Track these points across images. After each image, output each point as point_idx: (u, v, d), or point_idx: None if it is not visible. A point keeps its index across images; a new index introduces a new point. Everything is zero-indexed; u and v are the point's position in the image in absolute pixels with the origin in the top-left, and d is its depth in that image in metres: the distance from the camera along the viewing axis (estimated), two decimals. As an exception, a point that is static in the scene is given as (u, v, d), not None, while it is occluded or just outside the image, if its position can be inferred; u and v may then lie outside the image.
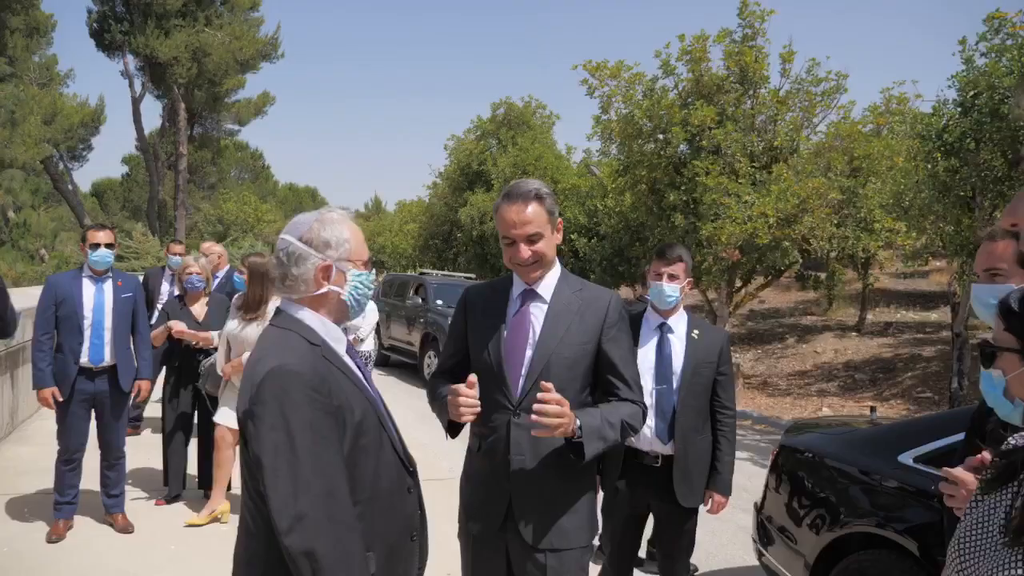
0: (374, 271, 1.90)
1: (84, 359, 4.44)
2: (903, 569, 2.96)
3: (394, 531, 1.75)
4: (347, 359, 1.77)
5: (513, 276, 2.37)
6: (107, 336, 4.51)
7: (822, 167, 11.51)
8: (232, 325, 4.69)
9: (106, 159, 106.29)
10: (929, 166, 8.40)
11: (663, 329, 3.15)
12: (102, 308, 4.51)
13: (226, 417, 4.77)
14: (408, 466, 1.82)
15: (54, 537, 4.41)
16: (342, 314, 1.81)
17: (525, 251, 2.21)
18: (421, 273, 15.84)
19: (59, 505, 4.49)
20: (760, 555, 3.91)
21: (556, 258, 2.34)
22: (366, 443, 1.68)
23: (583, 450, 2.11)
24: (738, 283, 12.95)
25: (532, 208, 2.19)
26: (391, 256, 29.67)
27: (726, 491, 3.21)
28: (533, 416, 2.03)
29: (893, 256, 14.39)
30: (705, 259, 11.43)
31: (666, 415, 3.07)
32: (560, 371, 2.21)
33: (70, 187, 31.02)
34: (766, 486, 3.94)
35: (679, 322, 3.19)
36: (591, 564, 2.41)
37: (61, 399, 4.37)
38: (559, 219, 2.30)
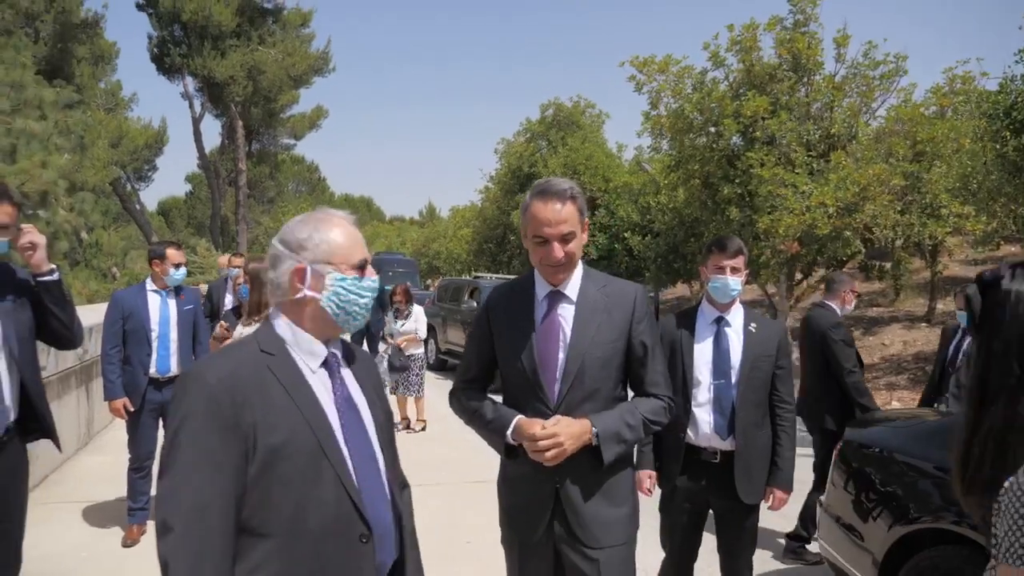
0: (376, 277, 1.69)
1: (152, 370, 4.62)
2: (977, 564, 2.82)
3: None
4: (310, 377, 1.59)
5: (535, 277, 2.32)
6: (173, 347, 4.71)
7: (883, 153, 11.14)
8: (237, 332, 4.80)
9: (170, 178, 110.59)
10: (997, 146, 8.03)
11: (720, 323, 3.07)
12: (167, 321, 4.71)
13: None
14: (360, 509, 1.56)
15: (128, 541, 4.58)
16: (327, 324, 1.62)
17: (559, 251, 2.16)
18: (475, 277, 15.92)
19: (132, 511, 4.66)
20: (825, 552, 3.78)
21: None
22: (285, 471, 1.47)
23: (602, 455, 2.13)
24: (798, 276, 12.64)
25: (567, 207, 2.16)
26: (446, 262, 29.94)
27: (788, 487, 3.11)
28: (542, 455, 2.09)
29: (962, 242, 13.81)
30: (763, 252, 11.18)
31: (725, 410, 2.99)
32: (593, 371, 2.20)
33: (138, 207, 32.34)
34: (831, 482, 3.82)
35: (736, 316, 3.10)
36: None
37: (132, 409, 4.54)
38: (586, 220, 2.27)
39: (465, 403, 2.39)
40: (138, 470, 4.66)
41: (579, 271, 2.30)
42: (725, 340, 3.04)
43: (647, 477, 3.10)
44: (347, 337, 1.81)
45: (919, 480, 3.26)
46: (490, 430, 2.27)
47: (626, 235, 17.01)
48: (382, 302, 9.17)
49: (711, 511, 3.14)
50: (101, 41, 27.92)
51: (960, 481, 1.26)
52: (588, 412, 2.19)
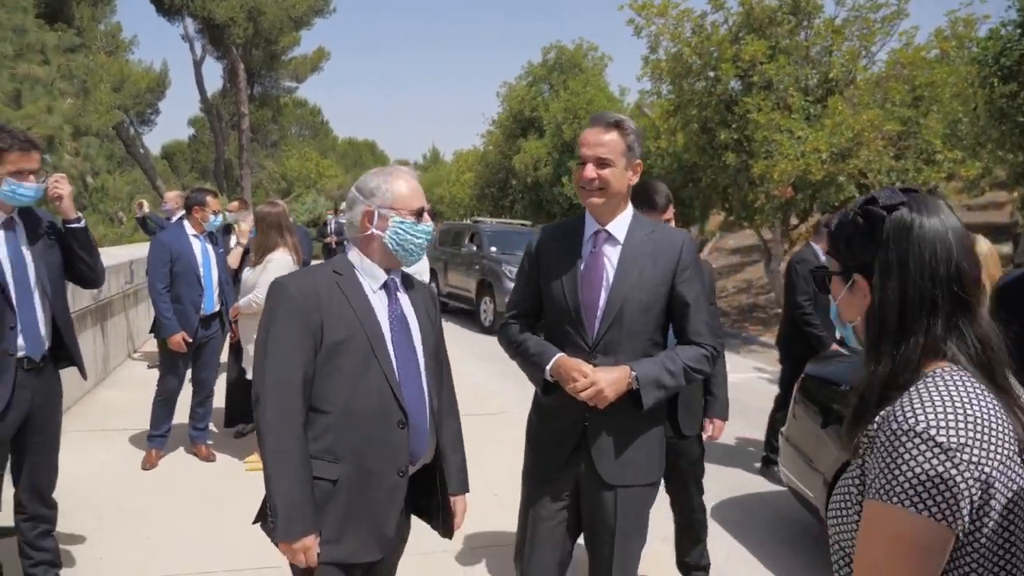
0: (431, 223, 2.06)
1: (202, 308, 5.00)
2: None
3: (371, 455, 1.93)
4: (371, 295, 2.01)
5: (585, 216, 2.35)
6: (214, 287, 5.11)
7: (879, 98, 11.17)
8: (245, 271, 5.07)
9: (173, 122, 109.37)
10: (986, 92, 8.12)
11: None
12: (209, 263, 5.10)
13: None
14: (399, 399, 1.96)
15: (148, 465, 4.95)
16: (389, 258, 2.01)
17: (591, 171, 2.20)
18: (475, 221, 16.12)
19: (153, 437, 5.02)
20: (786, 479, 4.12)
21: (629, 200, 2.34)
22: (342, 363, 1.91)
23: (641, 399, 2.18)
24: (795, 221, 12.79)
25: (610, 135, 2.20)
26: (449, 206, 30.05)
27: (724, 415, 3.30)
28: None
29: (958, 187, 13.90)
30: (758, 197, 11.34)
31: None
32: (634, 314, 2.23)
33: (142, 151, 32.33)
34: (792, 414, 4.13)
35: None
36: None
37: (191, 341, 4.89)
38: (638, 161, 2.27)
39: (511, 336, 2.44)
40: (167, 401, 5.01)
41: (628, 213, 2.33)
42: None
43: (715, 424, 3.24)
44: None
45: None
46: (532, 363, 2.33)
47: (627, 180, 17.08)
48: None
49: None
50: (99, -19, 27.51)
51: (856, 416, 1.24)
52: (626, 353, 2.23)
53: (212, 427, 5.43)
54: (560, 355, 2.26)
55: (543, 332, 2.42)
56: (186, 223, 5.08)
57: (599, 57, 22.43)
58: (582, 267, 2.29)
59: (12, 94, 14.72)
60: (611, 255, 2.28)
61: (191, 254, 4.97)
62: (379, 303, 2.02)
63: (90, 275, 3.20)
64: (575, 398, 2.19)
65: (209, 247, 5.13)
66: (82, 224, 3.10)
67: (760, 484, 5.12)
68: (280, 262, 4.72)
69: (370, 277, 2.02)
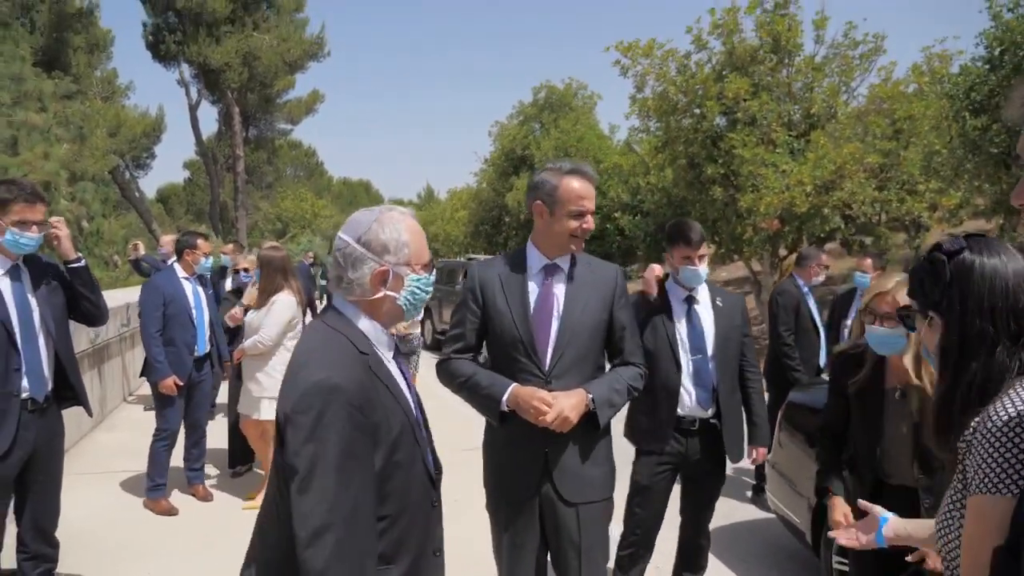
0: (434, 272, 1.83)
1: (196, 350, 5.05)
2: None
3: (416, 545, 1.68)
4: (392, 367, 1.71)
5: (528, 251, 2.50)
6: (205, 329, 5.16)
7: (860, 132, 11.46)
8: (249, 314, 5.15)
9: (169, 166, 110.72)
10: (959, 125, 8.37)
11: (690, 302, 3.25)
12: (200, 304, 5.16)
13: (259, 411, 4.88)
14: (434, 479, 1.74)
15: (159, 511, 4.89)
16: (396, 317, 1.75)
17: (591, 222, 2.41)
18: (468, 259, 16.29)
19: (159, 487, 4.97)
20: (773, 504, 4.21)
21: None
22: (400, 458, 1.62)
23: (598, 419, 2.36)
24: (783, 252, 12.99)
25: (594, 188, 2.44)
26: (444, 244, 30.28)
27: (767, 443, 3.46)
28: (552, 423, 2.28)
29: (941, 217, 14.15)
30: (746, 230, 11.55)
31: (705, 384, 3.19)
32: (583, 340, 2.41)
33: (137, 194, 32.59)
34: (777, 441, 4.22)
35: (703, 293, 3.31)
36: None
37: (181, 384, 4.93)
38: None
39: (457, 370, 2.49)
40: (165, 440, 4.98)
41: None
42: (697, 318, 3.25)
43: (758, 452, 3.41)
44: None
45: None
46: (484, 396, 2.40)
47: (616, 215, 17.35)
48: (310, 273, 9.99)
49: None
50: (96, 29, 27.98)
51: (937, 429, 1.39)
52: (576, 377, 2.39)
53: (211, 467, 5.48)
54: (514, 385, 2.36)
55: (489, 364, 2.53)
56: (177, 266, 5.17)
57: (588, 96, 22.93)
58: (533, 299, 2.44)
59: (9, 141, 14.95)
60: (559, 287, 2.46)
61: (183, 296, 5.02)
62: (399, 374, 1.74)
63: (95, 312, 3.32)
64: (531, 426, 2.31)
65: (200, 289, 5.21)
66: (83, 263, 3.24)
67: (751, 512, 5.19)
68: (284, 303, 4.85)
69: (383, 345, 1.71)
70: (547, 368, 2.40)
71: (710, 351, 3.22)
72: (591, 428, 2.39)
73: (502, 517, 2.51)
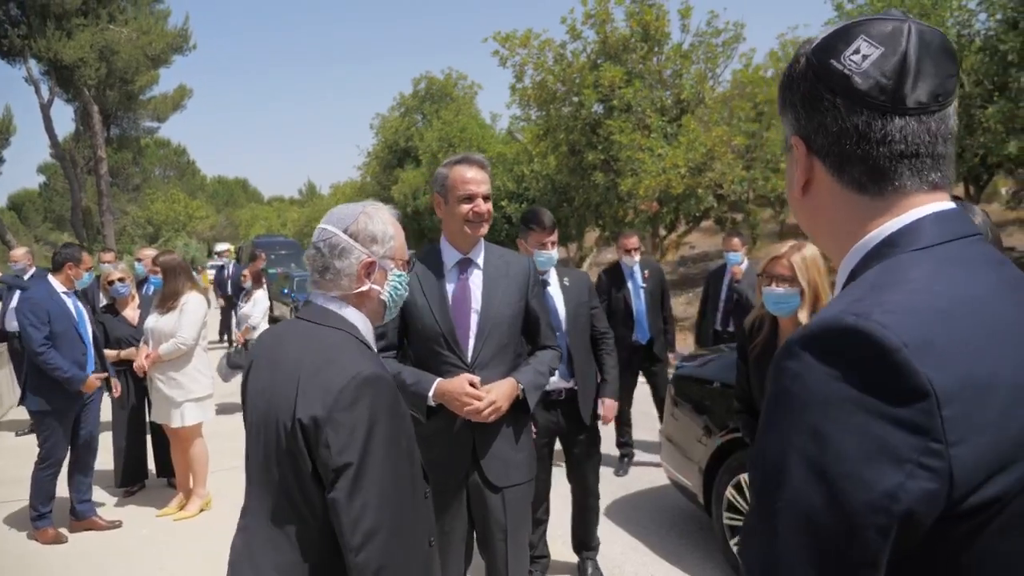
0: (407, 273, 1.80)
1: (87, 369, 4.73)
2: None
3: (418, 536, 1.65)
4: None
5: (442, 247, 2.57)
6: (90, 344, 4.84)
7: (727, 115, 12.16)
8: (151, 319, 5.00)
9: (20, 170, 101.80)
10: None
11: (543, 284, 3.54)
12: (83, 321, 4.82)
13: (181, 416, 4.92)
14: (425, 472, 1.74)
15: (47, 540, 4.60)
16: (377, 315, 1.70)
17: (482, 206, 2.48)
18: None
19: (45, 516, 4.65)
20: (667, 472, 4.49)
21: None
22: (411, 449, 1.62)
23: (527, 404, 2.51)
24: (664, 232, 13.62)
25: (484, 173, 2.52)
26: (329, 240, 29.65)
27: (614, 394, 3.81)
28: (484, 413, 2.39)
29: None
30: (627, 213, 12.03)
31: (563, 357, 3.50)
32: (502, 329, 2.51)
33: (-13, 203, 30.02)
34: (668, 413, 4.50)
35: (551, 275, 3.67)
36: None
37: (99, 384, 4.74)
38: None
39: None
40: (50, 469, 4.66)
41: (482, 242, 2.59)
42: (548, 298, 3.56)
43: (606, 404, 3.74)
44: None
45: (730, 399, 3.97)
46: (411, 393, 2.42)
47: (503, 203, 17.59)
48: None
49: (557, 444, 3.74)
50: (-75, 25, 25.54)
51: None
52: (499, 366, 2.49)
53: (98, 490, 5.22)
54: (439, 380, 2.43)
55: (410, 359, 2.61)
56: (53, 280, 4.81)
57: (469, 86, 23.02)
58: (450, 293, 2.52)
59: None
60: (475, 279, 2.55)
61: (68, 313, 4.69)
62: None
63: None
64: (459, 417, 2.41)
65: (80, 304, 4.90)
66: None
67: (647, 481, 5.49)
68: (196, 302, 4.99)
69: (372, 341, 1.69)
70: (470, 359, 2.48)
71: (563, 327, 3.56)
72: (520, 413, 2.52)
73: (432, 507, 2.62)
